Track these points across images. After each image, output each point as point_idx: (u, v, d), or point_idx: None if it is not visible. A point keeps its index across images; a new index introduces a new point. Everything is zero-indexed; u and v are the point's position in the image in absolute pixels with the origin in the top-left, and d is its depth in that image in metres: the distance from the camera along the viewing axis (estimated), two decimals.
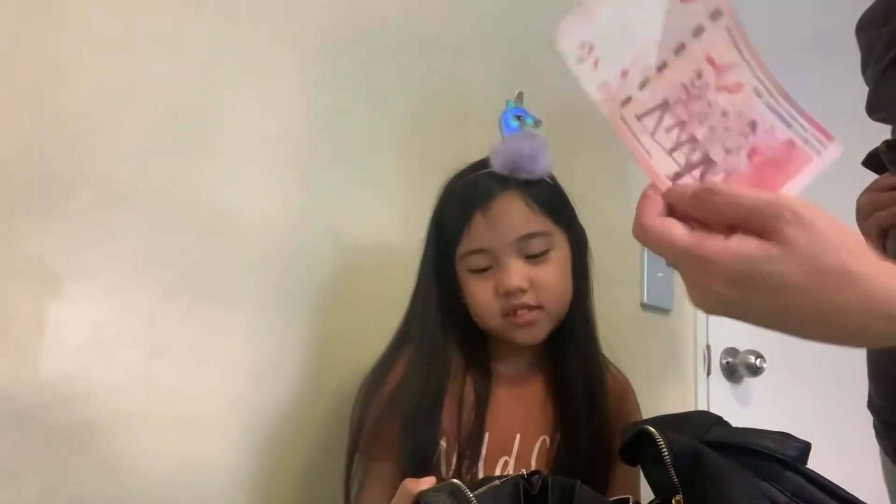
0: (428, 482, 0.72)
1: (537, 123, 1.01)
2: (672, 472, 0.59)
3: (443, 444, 0.94)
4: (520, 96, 1.01)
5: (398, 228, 1.21)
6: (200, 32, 1.10)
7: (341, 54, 1.22)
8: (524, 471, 0.64)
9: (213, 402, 1.03)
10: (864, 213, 0.92)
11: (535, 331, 0.96)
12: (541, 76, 1.41)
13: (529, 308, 0.95)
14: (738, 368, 1.60)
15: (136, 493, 0.96)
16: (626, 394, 1.06)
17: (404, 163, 1.26)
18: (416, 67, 1.30)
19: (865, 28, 0.96)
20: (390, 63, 1.27)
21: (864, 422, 0.98)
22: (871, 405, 0.96)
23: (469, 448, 0.94)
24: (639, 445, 0.63)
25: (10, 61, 0.95)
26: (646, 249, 1.50)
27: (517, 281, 0.93)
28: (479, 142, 1.24)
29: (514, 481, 0.63)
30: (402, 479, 0.90)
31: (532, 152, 0.96)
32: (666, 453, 0.60)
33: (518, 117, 1.00)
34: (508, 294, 0.94)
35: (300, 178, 1.15)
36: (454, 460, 0.94)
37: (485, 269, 0.96)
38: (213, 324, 1.05)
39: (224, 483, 1.03)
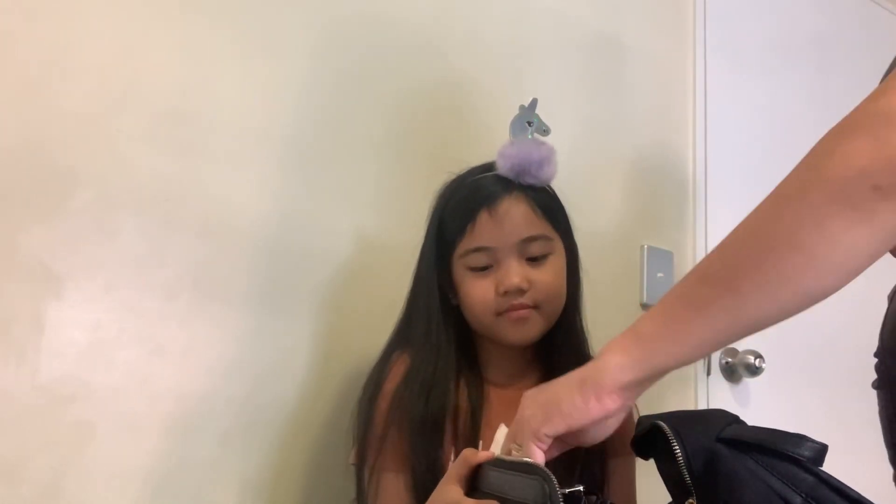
0: (486, 455, 0.71)
1: (546, 131, 1.01)
2: (685, 473, 0.59)
3: (452, 452, 0.94)
4: (533, 103, 1.01)
5: (398, 227, 1.20)
6: (200, 33, 1.09)
7: (340, 54, 1.22)
8: (581, 487, 0.63)
9: (213, 402, 1.03)
10: None
11: (527, 328, 0.96)
12: (539, 74, 1.41)
13: (524, 307, 0.95)
14: (737, 368, 1.60)
15: (136, 493, 0.96)
16: None
17: (403, 161, 1.25)
18: (414, 66, 1.30)
19: None
20: (389, 62, 1.26)
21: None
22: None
23: None
24: (653, 440, 0.63)
25: (11, 61, 0.95)
26: (646, 249, 1.50)
27: (518, 280, 0.94)
28: (479, 140, 1.24)
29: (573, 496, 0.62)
30: (416, 487, 0.89)
31: (540, 158, 0.97)
32: (679, 452, 0.60)
33: (529, 123, 1.00)
34: (508, 293, 0.94)
35: (300, 177, 1.15)
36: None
37: (484, 268, 0.97)
38: (213, 324, 1.04)
39: (224, 483, 1.03)
